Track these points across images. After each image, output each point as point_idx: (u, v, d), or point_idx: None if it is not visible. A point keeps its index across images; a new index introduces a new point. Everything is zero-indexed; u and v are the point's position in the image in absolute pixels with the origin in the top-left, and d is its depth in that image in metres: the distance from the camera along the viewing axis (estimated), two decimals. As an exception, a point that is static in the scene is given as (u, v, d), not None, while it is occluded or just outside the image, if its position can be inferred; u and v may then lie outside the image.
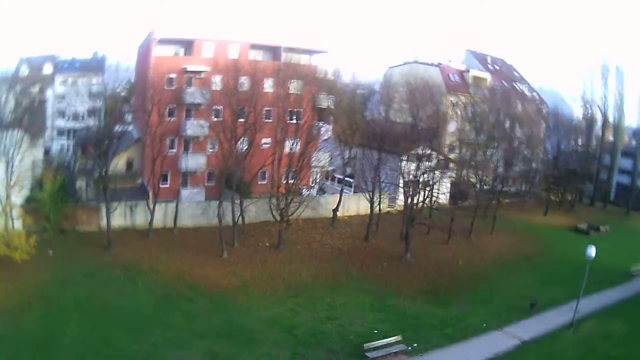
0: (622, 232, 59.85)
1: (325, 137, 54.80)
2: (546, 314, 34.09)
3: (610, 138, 79.45)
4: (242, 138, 41.90)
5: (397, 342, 27.64)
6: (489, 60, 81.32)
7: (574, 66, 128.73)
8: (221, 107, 45.55)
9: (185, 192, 48.35)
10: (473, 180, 51.85)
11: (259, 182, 49.19)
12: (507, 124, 58.78)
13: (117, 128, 43.02)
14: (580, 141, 76.80)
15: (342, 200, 51.27)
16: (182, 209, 44.86)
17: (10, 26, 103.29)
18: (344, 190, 53.55)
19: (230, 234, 41.11)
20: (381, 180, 48.32)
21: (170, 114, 46.62)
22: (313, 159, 50.12)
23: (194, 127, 48.00)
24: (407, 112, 49.67)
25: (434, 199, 47.94)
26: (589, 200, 76.53)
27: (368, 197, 48.19)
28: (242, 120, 41.77)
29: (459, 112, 61.04)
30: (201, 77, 48.15)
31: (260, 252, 41.30)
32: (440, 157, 52.73)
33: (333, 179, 60.23)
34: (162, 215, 44.11)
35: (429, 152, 49.15)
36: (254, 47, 51.57)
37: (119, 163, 50.65)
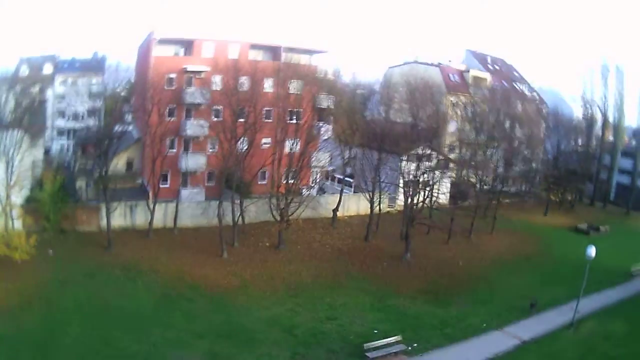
0: (622, 232, 59.85)
1: (325, 137, 54.82)
2: (546, 314, 34.08)
3: (611, 138, 79.42)
4: (242, 138, 41.91)
5: (397, 342, 27.64)
6: (489, 60, 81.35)
7: (574, 66, 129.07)
8: (221, 107, 45.57)
9: (185, 192, 48.36)
10: (473, 180, 51.87)
11: (259, 182, 49.19)
12: (507, 124, 58.79)
13: (117, 128, 43.03)
14: (580, 141, 76.77)
15: (342, 200, 51.27)
16: (182, 209, 44.86)
17: (11, 26, 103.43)
18: (344, 190, 53.55)
19: (230, 234, 41.11)
20: (381, 180, 48.33)
21: (170, 114, 46.62)
22: (313, 159, 50.17)
23: (194, 127, 48.00)
24: (407, 112, 49.67)
25: (434, 199, 47.95)
26: (589, 200, 76.50)
27: (368, 197, 48.22)
28: (242, 120, 41.79)
29: (458, 112, 61.06)
30: (201, 77, 48.15)
31: (260, 252, 41.30)
32: (440, 157, 52.73)
33: (333, 179, 60.25)
34: (162, 215, 44.11)
35: (429, 152, 49.16)
36: (254, 47, 51.58)
37: (119, 163, 50.68)
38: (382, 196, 49.09)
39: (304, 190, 47.06)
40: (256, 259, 39.80)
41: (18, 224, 36.80)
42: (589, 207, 73.18)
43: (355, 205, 54.09)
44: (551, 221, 61.31)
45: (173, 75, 47.37)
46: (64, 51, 74.42)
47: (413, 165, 45.62)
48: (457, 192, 52.28)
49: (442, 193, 50.32)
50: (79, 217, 41.97)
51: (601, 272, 39.48)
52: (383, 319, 31.71)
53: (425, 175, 45.58)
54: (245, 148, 42.54)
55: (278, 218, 41.93)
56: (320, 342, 28.08)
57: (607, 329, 32.31)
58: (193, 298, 32.12)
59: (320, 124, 52.22)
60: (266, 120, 46.54)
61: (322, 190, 55.28)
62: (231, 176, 42.53)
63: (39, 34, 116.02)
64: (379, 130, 50.05)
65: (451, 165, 54.29)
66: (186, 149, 48.98)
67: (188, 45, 50.12)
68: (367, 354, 26.41)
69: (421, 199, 45.25)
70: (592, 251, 31.75)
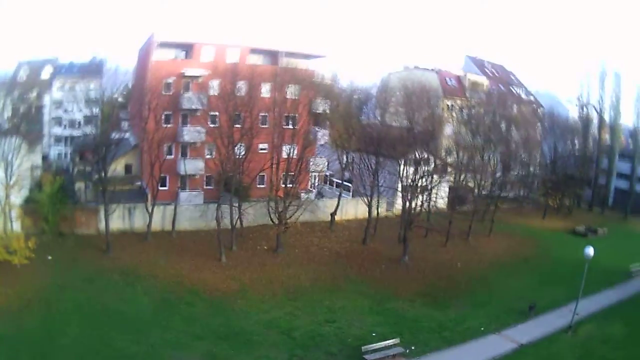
0: (620, 234, 60.10)
1: (322, 142, 54.94)
2: (544, 317, 34.08)
3: (608, 139, 79.43)
4: (239, 144, 41.92)
5: (395, 345, 27.63)
6: (486, 65, 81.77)
7: (570, 69, 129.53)
8: (217, 113, 45.51)
9: (184, 195, 48.39)
10: (471, 184, 51.99)
11: (258, 186, 49.23)
12: (504, 126, 58.98)
13: (114, 135, 43.05)
14: (577, 143, 76.88)
15: (340, 204, 51.37)
16: (180, 211, 44.87)
17: (9, 29, 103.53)
18: (343, 195, 53.64)
19: (229, 237, 41.12)
20: (379, 184, 48.42)
21: (167, 121, 46.76)
22: (311, 164, 50.29)
23: (191, 133, 48.07)
24: (403, 115, 49.82)
25: (432, 203, 48.06)
26: (587, 205, 76.59)
27: (366, 201, 48.30)
28: (238, 126, 41.82)
29: (454, 115, 61.31)
30: (199, 82, 48.27)
31: (259, 256, 41.31)
32: (438, 160, 52.88)
33: (331, 183, 60.37)
34: (160, 218, 44.10)
35: (426, 155, 49.31)
36: (253, 51, 51.69)
37: (117, 168, 50.63)
38: (380, 200, 49.18)
39: (302, 194, 47.12)
40: (255, 262, 39.81)
41: (17, 226, 36.79)
42: (587, 212, 73.24)
43: (354, 209, 54.19)
44: (549, 225, 61.50)
45: (171, 80, 47.49)
46: (62, 55, 74.67)
47: (411, 170, 45.74)
48: (456, 196, 52.41)
49: (441, 198, 50.46)
50: (78, 219, 41.98)
51: (600, 273, 39.53)
52: (381, 322, 31.72)
53: (423, 180, 45.71)
54: (242, 153, 42.59)
55: (276, 221, 41.98)
56: (318, 344, 28.09)
57: (606, 332, 32.27)
58: (192, 302, 32.09)
59: (317, 129, 52.36)
60: (262, 126, 46.53)
61: (320, 195, 55.38)
62: (230, 180, 42.59)
63: (38, 37, 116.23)
64: (375, 134, 50.23)
65: (449, 169, 54.43)
66: (184, 155, 49.04)
67: (188, 49, 50.22)
68: (365, 356, 26.38)
69: (419, 203, 45.37)
70: (590, 251, 31.74)
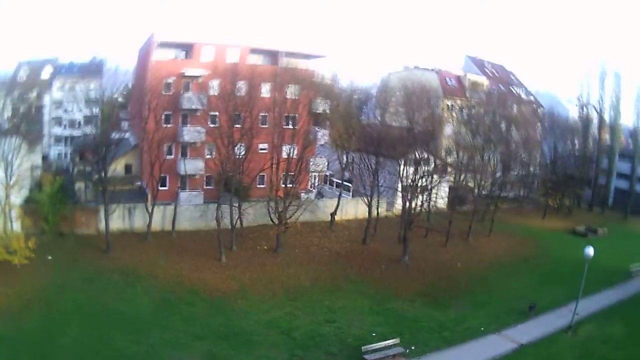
0: (620, 234, 60.09)
1: (322, 142, 54.93)
2: (545, 317, 34.07)
3: (607, 139, 79.40)
4: (239, 144, 41.91)
5: (395, 345, 27.64)
6: (487, 65, 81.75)
7: (571, 70, 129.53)
8: (217, 113, 45.50)
9: (184, 195, 48.38)
10: (471, 184, 51.98)
11: (258, 186, 49.21)
12: (503, 125, 58.99)
13: (114, 135, 43.05)
14: (577, 143, 76.86)
15: (340, 204, 51.36)
16: (180, 211, 44.86)
17: (9, 29, 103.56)
18: (343, 195, 53.63)
19: (229, 237, 41.11)
20: (379, 184, 48.41)
21: (167, 121, 46.77)
22: (311, 164, 50.28)
23: (191, 133, 48.06)
24: (403, 115, 49.83)
25: (432, 203, 48.05)
26: (587, 205, 76.55)
27: (366, 201, 48.30)
28: (238, 126, 41.82)
29: (454, 115, 61.32)
30: (199, 82, 48.27)
31: (259, 256, 41.30)
32: (438, 160, 52.90)
33: (332, 183, 60.38)
34: (160, 218, 44.09)
35: (425, 155, 49.31)
36: (253, 51, 51.67)
37: (117, 168, 50.61)
38: (380, 200, 49.17)
39: (302, 194, 47.11)
40: (255, 262, 39.80)
41: (17, 226, 36.79)
42: (587, 212, 73.22)
43: (354, 209, 54.19)
44: (549, 225, 61.49)
45: (171, 80, 47.50)
46: (62, 55, 74.65)
47: (411, 169, 45.73)
48: (456, 197, 52.42)
49: (441, 197, 50.48)
50: (78, 219, 41.98)
51: (600, 272, 39.55)
52: (381, 322, 31.72)
53: (423, 180, 45.71)
54: (242, 153, 42.58)
55: (276, 221, 41.97)
56: (318, 344, 28.09)
57: (606, 332, 32.26)
58: (192, 302, 32.09)
59: (317, 129, 52.37)
60: (262, 126, 46.54)
61: (320, 195, 55.37)
62: (230, 180, 42.59)
63: (38, 37, 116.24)
64: (375, 134, 50.23)
65: (449, 169, 54.46)
66: (184, 155, 49.05)
67: (188, 49, 50.20)
68: (365, 356, 26.38)
69: (419, 203, 45.35)
70: (590, 251, 31.71)
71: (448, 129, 58.32)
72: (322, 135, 53.62)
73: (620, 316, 34.88)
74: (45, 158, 62.67)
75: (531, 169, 67.88)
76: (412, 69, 71.50)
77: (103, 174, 39.57)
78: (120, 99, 59.03)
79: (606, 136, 79.13)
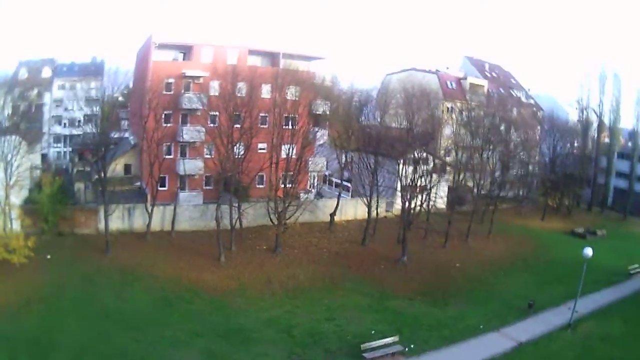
0: (619, 235, 60.04)
1: (321, 142, 54.97)
2: (544, 315, 34.12)
3: (606, 140, 79.42)
4: (239, 143, 41.99)
5: (394, 343, 27.69)
6: (486, 67, 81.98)
7: (571, 72, 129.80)
8: (217, 112, 45.59)
9: (183, 195, 48.39)
10: (470, 184, 52.01)
11: (257, 186, 49.21)
12: (503, 127, 59.06)
13: (114, 135, 43.09)
14: (576, 144, 76.88)
15: (339, 205, 51.37)
16: (179, 212, 44.87)
17: (10, 29, 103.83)
18: (342, 195, 53.67)
19: (228, 237, 41.11)
20: (378, 184, 48.44)
21: (167, 120, 46.84)
22: (310, 163, 50.30)
23: (190, 132, 48.09)
24: (402, 117, 49.92)
25: (431, 203, 48.07)
26: (587, 205, 76.57)
27: (365, 201, 48.33)
28: (238, 125, 41.91)
29: (454, 116, 61.41)
30: (199, 82, 48.39)
31: (258, 256, 41.31)
32: (437, 160, 52.95)
33: (331, 183, 60.41)
34: (159, 218, 44.13)
35: (425, 155, 49.37)
36: (252, 52, 51.80)
37: (116, 167, 50.69)
38: (379, 200, 49.17)
39: (301, 194, 47.13)
40: (254, 262, 39.82)
41: (16, 225, 36.78)
42: (587, 213, 73.28)
43: (353, 209, 54.18)
44: (548, 226, 61.53)
45: (171, 80, 47.60)
46: (63, 55, 75.13)
47: (410, 169, 45.77)
48: (455, 196, 52.45)
49: (440, 197, 50.50)
50: (77, 219, 42.01)
51: (599, 273, 39.77)
52: (381, 320, 31.75)
53: (423, 179, 45.73)
54: (242, 153, 42.63)
55: (275, 222, 41.99)
56: (317, 342, 28.11)
57: (605, 330, 32.36)
58: (191, 300, 32.13)
59: (316, 129, 52.39)
60: (262, 126, 46.62)
61: (319, 195, 55.38)
62: (229, 180, 42.62)
63: (39, 37, 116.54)
64: (374, 134, 50.25)
65: (448, 169, 54.51)
66: (183, 155, 49.09)
67: (187, 51, 50.32)
68: (364, 354, 26.43)
69: (419, 203, 45.36)
70: (588, 251, 31.80)
71: (447, 130, 58.42)
72: (321, 135, 53.66)
73: (620, 314, 34.99)
74: (44, 157, 62.78)
75: (530, 168, 67.83)
76: (412, 71, 71.59)
77: (102, 174, 39.61)
78: (120, 98, 59.11)
79: (606, 140, 79.15)
